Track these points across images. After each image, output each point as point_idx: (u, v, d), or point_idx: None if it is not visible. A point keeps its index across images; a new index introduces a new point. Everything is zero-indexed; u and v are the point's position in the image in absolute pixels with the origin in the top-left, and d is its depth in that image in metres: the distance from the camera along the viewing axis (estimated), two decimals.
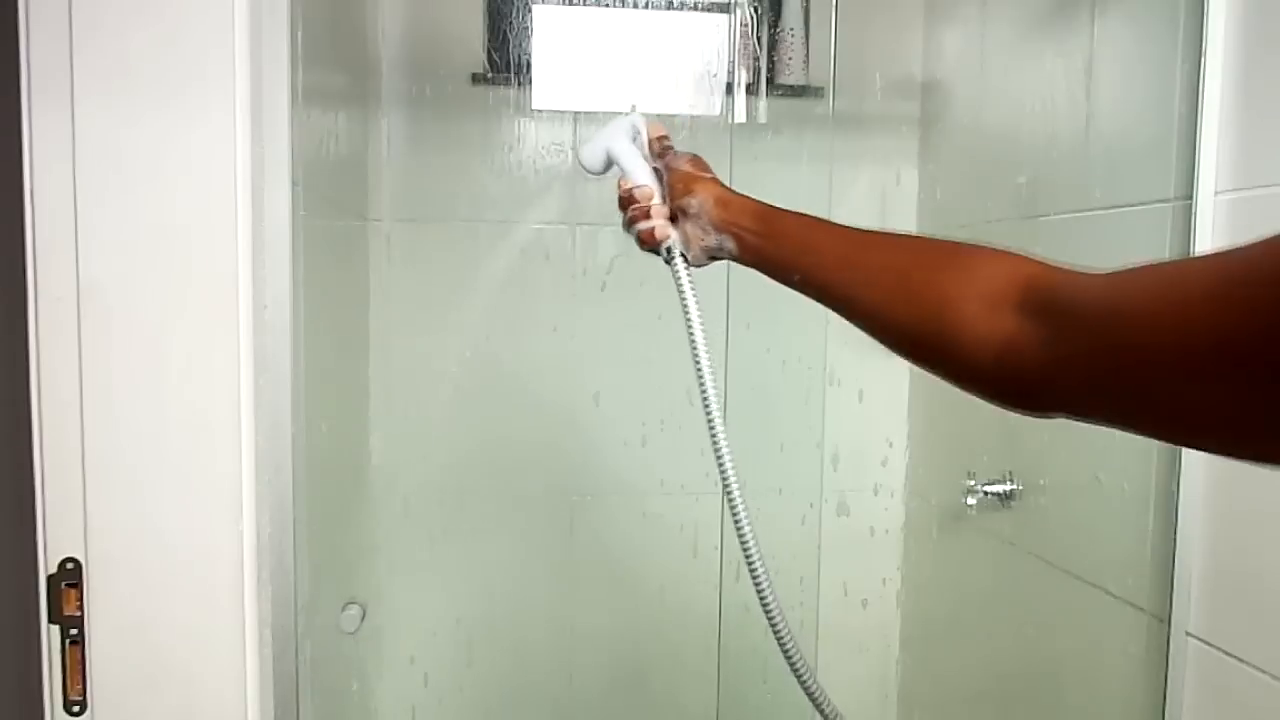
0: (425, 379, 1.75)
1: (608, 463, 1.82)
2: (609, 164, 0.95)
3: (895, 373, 1.89)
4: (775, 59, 1.78)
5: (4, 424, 0.84)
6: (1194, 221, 1.09)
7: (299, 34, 0.88)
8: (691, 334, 0.94)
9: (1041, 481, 1.46)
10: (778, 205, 0.82)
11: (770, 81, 1.78)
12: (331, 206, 1.41)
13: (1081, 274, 0.52)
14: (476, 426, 1.76)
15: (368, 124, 1.68)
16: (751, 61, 1.76)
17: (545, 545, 1.81)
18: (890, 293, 0.65)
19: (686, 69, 1.74)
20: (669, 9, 1.73)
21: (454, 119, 1.73)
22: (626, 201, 0.91)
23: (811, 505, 1.87)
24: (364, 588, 1.72)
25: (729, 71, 1.74)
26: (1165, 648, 1.14)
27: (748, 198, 0.85)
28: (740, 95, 1.74)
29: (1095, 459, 1.31)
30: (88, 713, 0.81)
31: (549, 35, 1.72)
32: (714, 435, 0.92)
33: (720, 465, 0.91)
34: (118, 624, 0.81)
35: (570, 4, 1.73)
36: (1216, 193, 1.08)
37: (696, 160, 0.91)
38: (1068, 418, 0.52)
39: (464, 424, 1.76)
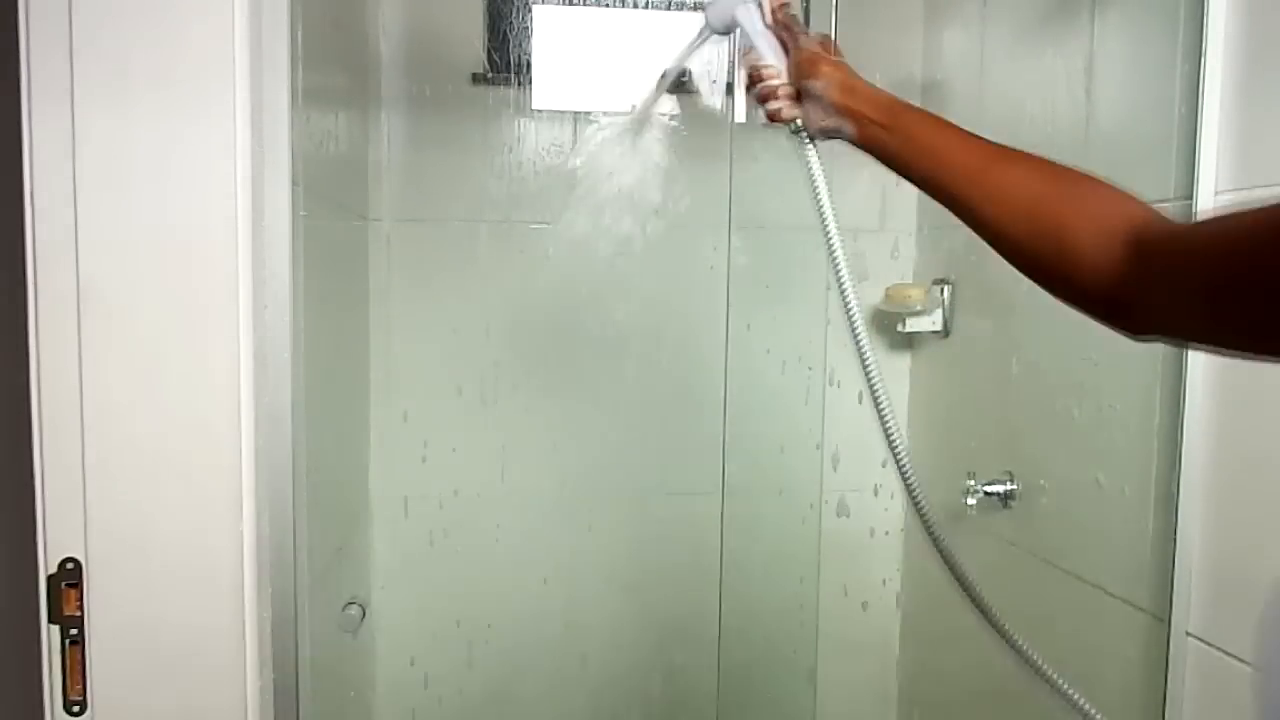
0: (425, 379, 1.75)
1: (608, 463, 1.82)
2: (731, 28, 0.95)
3: (895, 373, 1.89)
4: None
5: (4, 424, 0.84)
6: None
7: (299, 34, 0.88)
8: (820, 207, 0.95)
9: (1041, 482, 1.46)
10: (900, 99, 0.84)
11: None
12: (331, 206, 1.41)
13: (1179, 224, 0.62)
14: (476, 428, 1.76)
15: (368, 124, 1.68)
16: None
17: (545, 546, 1.81)
18: (1015, 214, 0.70)
19: (686, 69, 1.74)
20: (669, 9, 1.73)
21: (454, 119, 1.73)
22: (753, 78, 0.93)
23: (811, 506, 1.87)
24: (364, 588, 1.72)
25: (729, 71, 1.74)
26: (1165, 648, 1.14)
27: (873, 86, 0.86)
28: (740, 95, 1.73)
29: (1095, 460, 1.31)
30: (88, 713, 0.81)
31: (549, 35, 1.72)
32: (846, 301, 0.98)
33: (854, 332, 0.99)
34: (118, 624, 0.81)
35: (570, 4, 1.73)
36: (1216, 193, 1.08)
37: (825, 41, 0.91)
38: (1162, 339, 0.62)
39: (464, 425, 1.76)
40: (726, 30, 0.96)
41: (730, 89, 1.74)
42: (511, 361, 1.76)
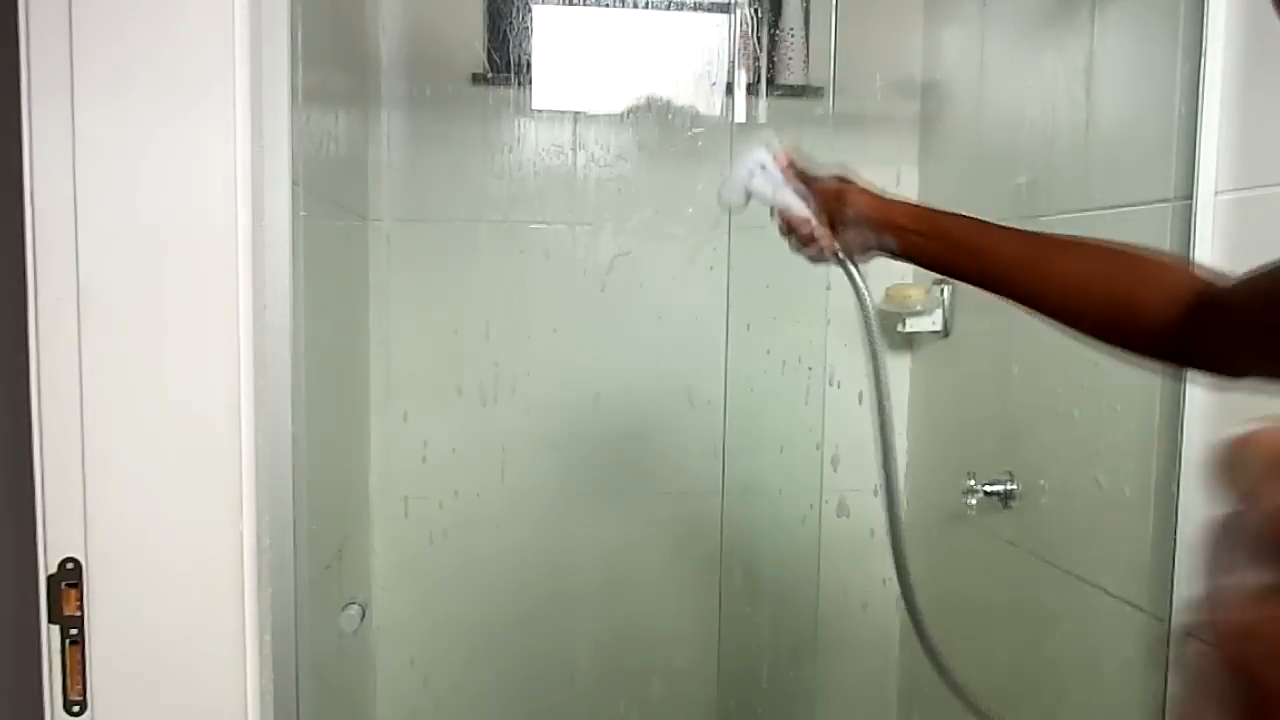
0: (425, 379, 1.75)
1: (608, 464, 1.82)
2: (749, 199, 1.01)
3: (895, 374, 1.89)
4: (775, 59, 1.78)
5: (4, 424, 0.84)
6: (1194, 221, 1.09)
7: (299, 34, 0.88)
8: (868, 324, 1.02)
9: (1041, 482, 1.46)
10: (929, 207, 0.89)
11: (770, 81, 1.78)
12: (331, 206, 1.41)
13: (1233, 279, 0.69)
14: (476, 427, 1.76)
15: (368, 124, 1.68)
16: (751, 61, 1.75)
17: (545, 546, 1.81)
18: (1082, 294, 0.76)
19: (686, 69, 1.74)
20: (669, 9, 1.73)
21: (454, 119, 1.73)
22: (788, 229, 0.98)
23: (811, 506, 1.87)
24: (364, 588, 1.72)
25: (729, 71, 1.74)
26: (1165, 648, 1.14)
27: (901, 201, 0.91)
28: (740, 95, 1.74)
29: (1095, 460, 1.31)
30: (88, 713, 0.81)
31: (549, 35, 1.72)
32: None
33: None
34: (118, 624, 0.81)
35: (570, 4, 1.73)
36: (1216, 193, 1.08)
37: (842, 173, 0.97)
38: (1254, 379, 0.68)
39: (464, 425, 1.76)
40: (745, 203, 1.02)
41: (730, 89, 1.74)
42: (511, 361, 1.76)
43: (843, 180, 0.96)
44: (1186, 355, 0.72)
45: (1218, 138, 1.08)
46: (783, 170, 0.99)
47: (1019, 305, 0.80)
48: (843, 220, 0.93)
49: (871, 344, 1.01)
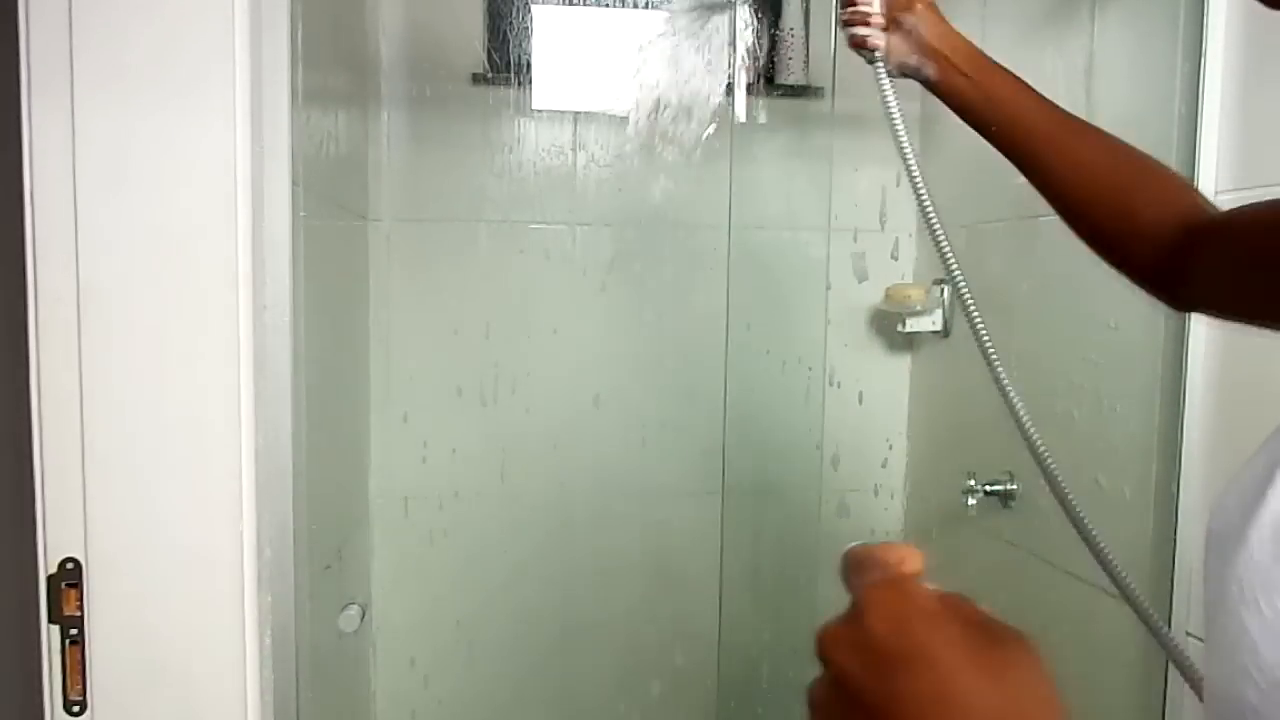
0: (425, 379, 1.75)
1: (608, 464, 1.82)
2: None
3: (895, 374, 1.89)
4: (775, 59, 1.78)
5: (4, 424, 0.84)
6: None
7: (299, 34, 0.88)
8: (898, 137, 0.96)
9: (1041, 482, 1.45)
10: (984, 53, 0.86)
11: (770, 81, 1.78)
12: (331, 206, 1.41)
13: (1228, 210, 0.69)
14: (476, 428, 1.76)
15: (368, 124, 1.68)
16: (751, 61, 1.75)
17: (545, 546, 1.81)
18: (1089, 184, 0.77)
19: (686, 69, 1.74)
20: (669, 9, 1.73)
21: (454, 119, 1.73)
22: (850, 1, 0.90)
23: (811, 506, 1.87)
24: (364, 588, 1.72)
25: (729, 71, 1.74)
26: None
27: (961, 36, 0.86)
28: (740, 95, 1.74)
29: (1095, 460, 1.31)
30: (88, 713, 0.81)
31: (549, 35, 1.72)
32: (930, 225, 0.97)
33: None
34: (118, 624, 0.81)
35: (570, 4, 1.73)
36: (1217, 193, 1.08)
37: None
38: (1202, 311, 0.73)
39: (464, 425, 1.76)
40: None
41: (730, 89, 1.74)
42: (511, 362, 1.76)
43: None
44: (1161, 271, 0.72)
45: (1218, 138, 1.08)
46: None
47: (1028, 177, 0.81)
48: (900, 24, 0.87)
49: (902, 153, 0.97)
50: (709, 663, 1.83)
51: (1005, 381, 0.96)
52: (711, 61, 1.75)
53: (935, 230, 0.94)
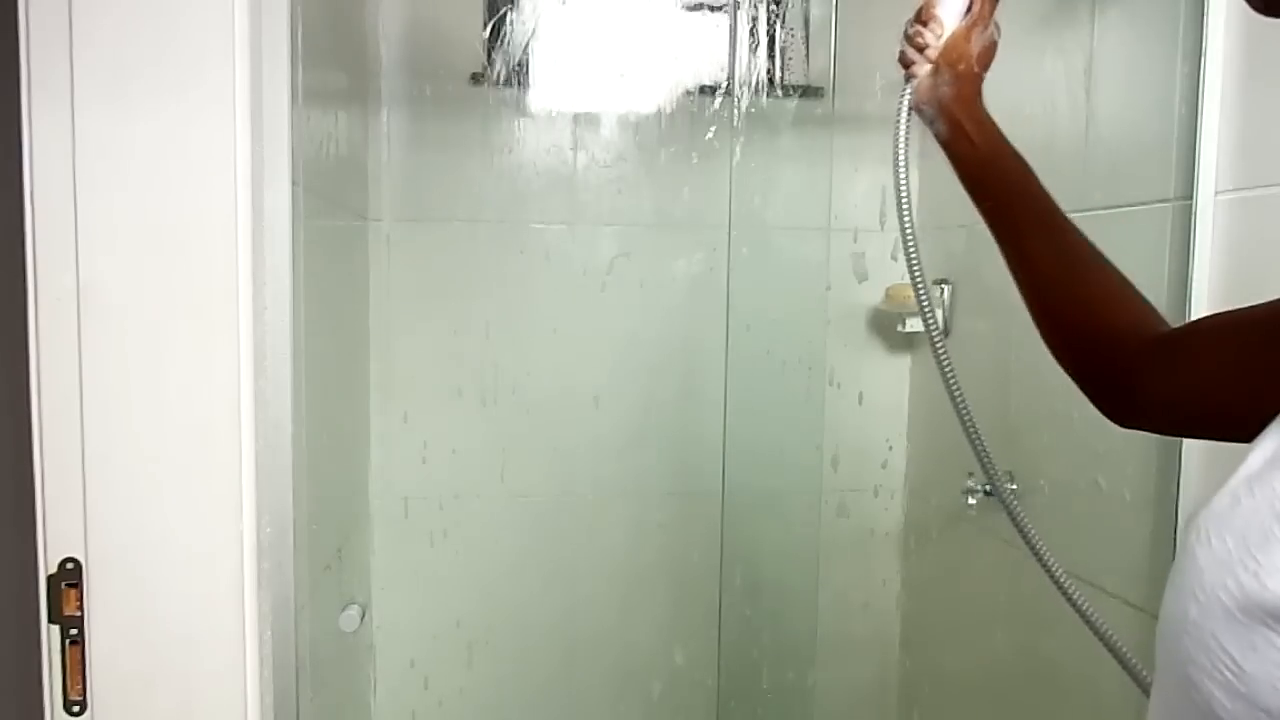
0: (425, 379, 1.75)
1: (607, 464, 1.82)
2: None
3: (895, 374, 1.89)
4: (775, 59, 1.78)
5: (4, 424, 0.84)
6: (1194, 221, 1.09)
7: (299, 34, 0.88)
8: (897, 164, 0.96)
9: (1041, 482, 1.46)
10: (1003, 136, 0.87)
11: (770, 81, 1.78)
12: (331, 206, 1.41)
13: (1176, 329, 0.71)
14: (476, 428, 1.76)
15: (368, 124, 1.68)
16: (752, 61, 1.75)
17: (545, 547, 1.81)
18: (1054, 288, 0.79)
19: (687, 69, 1.74)
20: (669, 9, 1.73)
21: (454, 119, 1.73)
22: (920, 21, 0.91)
23: (811, 506, 1.87)
24: (364, 589, 1.72)
25: (729, 72, 1.74)
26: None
27: (985, 111, 0.88)
28: (740, 95, 1.74)
29: (1095, 461, 1.31)
30: (88, 713, 0.81)
31: (549, 35, 1.72)
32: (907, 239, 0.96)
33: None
34: (118, 624, 0.81)
35: (570, 4, 1.73)
36: (1217, 193, 1.08)
37: (991, 47, 0.92)
38: (1146, 428, 0.74)
39: (464, 425, 1.76)
40: None
41: (730, 89, 1.74)
42: (511, 362, 1.76)
43: (986, 50, 0.91)
44: (1109, 384, 0.75)
45: (1218, 138, 1.08)
46: None
47: (1005, 260, 0.83)
48: (938, 73, 0.89)
49: (897, 178, 0.97)
50: (709, 663, 1.83)
51: (959, 395, 0.97)
52: (712, 61, 1.75)
53: (915, 270, 0.95)
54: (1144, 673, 1.00)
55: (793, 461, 1.86)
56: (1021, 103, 1.52)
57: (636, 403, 1.80)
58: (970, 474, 1.56)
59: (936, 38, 0.89)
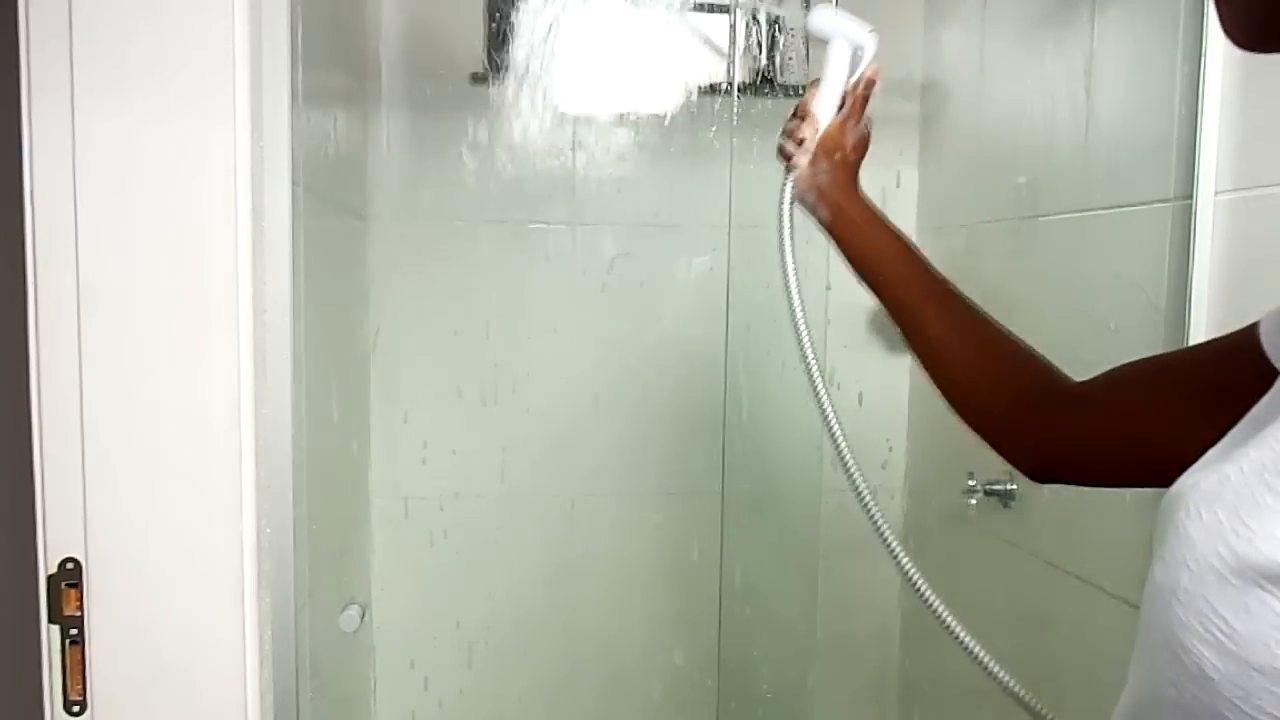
0: (425, 379, 1.75)
1: (607, 464, 1.82)
2: (823, 39, 0.98)
3: (895, 375, 1.89)
4: (775, 59, 1.78)
5: (4, 424, 0.84)
6: (1194, 221, 1.09)
7: (299, 34, 0.88)
8: (783, 254, 0.99)
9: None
10: (886, 220, 0.92)
11: (770, 81, 1.78)
12: (331, 206, 1.41)
13: (1075, 385, 0.75)
14: (476, 428, 1.76)
15: (367, 124, 1.68)
16: (751, 61, 1.75)
17: (545, 547, 1.81)
18: (949, 358, 0.83)
19: (687, 69, 1.74)
20: (669, 9, 1.73)
21: (454, 119, 1.73)
22: (798, 117, 0.96)
23: (811, 506, 1.87)
24: (364, 590, 1.72)
25: (729, 71, 1.74)
26: None
27: (863, 199, 0.93)
28: (740, 95, 1.74)
29: None
30: (88, 713, 0.81)
31: (549, 35, 1.72)
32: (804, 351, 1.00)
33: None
34: (118, 624, 0.81)
35: (570, 4, 1.73)
36: (1217, 193, 1.08)
37: (864, 138, 0.96)
38: (1061, 480, 0.77)
39: (464, 425, 1.76)
40: (817, 37, 0.99)
41: (730, 89, 1.74)
42: (511, 362, 1.76)
43: (859, 143, 0.95)
44: (1020, 441, 0.78)
45: (1218, 138, 1.08)
46: (857, 78, 0.97)
47: (903, 335, 0.87)
48: (816, 164, 0.94)
49: (783, 260, 1.00)
50: (709, 663, 1.83)
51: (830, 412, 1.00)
52: (711, 61, 1.75)
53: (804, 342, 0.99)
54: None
55: (792, 461, 1.86)
56: (1022, 103, 1.52)
57: (636, 402, 1.80)
58: (970, 474, 1.56)
59: (814, 131, 0.94)
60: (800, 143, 0.95)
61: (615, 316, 1.78)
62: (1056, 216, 1.39)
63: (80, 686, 0.80)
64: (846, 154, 0.94)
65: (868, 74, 0.97)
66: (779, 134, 0.97)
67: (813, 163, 0.94)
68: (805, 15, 0.99)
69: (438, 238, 1.74)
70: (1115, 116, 1.30)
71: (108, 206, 0.79)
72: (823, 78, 0.96)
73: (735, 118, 1.74)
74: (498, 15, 1.71)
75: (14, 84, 0.77)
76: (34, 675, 0.80)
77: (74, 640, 0.80)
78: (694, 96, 1.74)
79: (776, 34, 1.78)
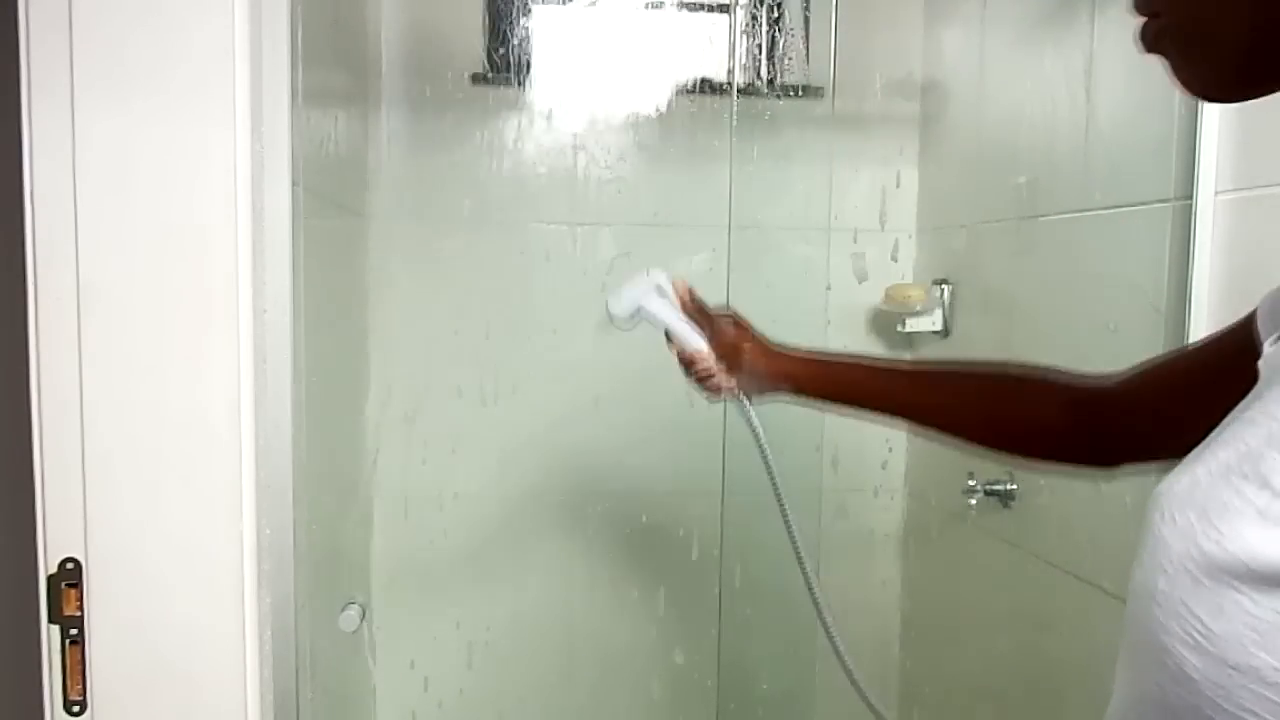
0: (425, 379, 1.75)
1: (607, 465, 1.82)
2: (637, 318, 1.06)
3: None
4: (775, 59, 1.78)
5: (4, 424, 0.84)
6: (1194, 221, 1.09)
7: (299, 34, 0.88)
8: (766, 461, 1.10)
9: (1041, 482, 1.46)
10: (822, 352, 0.97)
11: (770, 81, 1.78)
12: (331, 206, 1.41)
13: (1109, 379, 0.77)
14: (476, 429, 1.76)
15: (367, 124, 1.68)
16: (751, 61, 1.76)
17: (545, 548, 1.81)
18: (961, 423, 0.88)
19: (686, 69, 1.75)
20: (669, 9, 1.73)
21: (454, 119, 1.73)
22: (687, 363, 1.03)
23: (811, 506, 1.87)
24: (364, 588, 1.72)
25: (729, 71, 1.74)
26: None
27: (792, 353, 0.98)
28: (740, 95, 1.74)
29: None
30: (88, 713, 0.81)
31: (549, 35, 1.72)
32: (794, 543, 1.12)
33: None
34: (118, 624, 0.81)
35: (570, 4, 1.73)
36: (1217, 193, 1.08)
37: (737, 321, 1.03)
38: (1132, 465, 0.77)
39: (463, 426, 1.76)
40: (631, 319, 1.06)
41: (730, 89, 1.74)
42: (511, 362, 1.76)
43: (738, 325, 1.01)
44: (1075, 453, 0.81)
45: (1218, 138, 1.08)
46: (681, 301, 1.03)
47: (931, 428, 0.92)
48: (739, 368, 0.99)
49: (770, 475, 1.11)
50: (709, 663, 1.83)
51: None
52: (711, 61, 1.75)
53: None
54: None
55: (792, 462, 1.86)
56: (1022, 103, 1.52)
57: (636, 402, 1.80)
58: (970, 474, 1.56)
59: (708, 358, 1.01)
60: (711, 375, 1.01)
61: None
62: (1056, 216, 1.39)
63: (80, 686, 0.80)
64: (741, 343, 1.00)
65: (682, 294, 1.05)
66: (695, 388, 1.05)
67: (732, 372, 1.00)
68: (607, 309, 1.10)
69: (438, 237, 1.74)
70: (1115, 116, 1.30)
71: (108, 206, 0.79)
72: (667, 330, 1.04)
73: (734, 118, 1.74)
74: (498, 15, 1.71)
75: (14, 84, 0.77)
76: (34, 675, 0.80)
77: (74, 640, 0.80)
78: (694, 96, 1.74)
79: (776, 34, 1.78)
